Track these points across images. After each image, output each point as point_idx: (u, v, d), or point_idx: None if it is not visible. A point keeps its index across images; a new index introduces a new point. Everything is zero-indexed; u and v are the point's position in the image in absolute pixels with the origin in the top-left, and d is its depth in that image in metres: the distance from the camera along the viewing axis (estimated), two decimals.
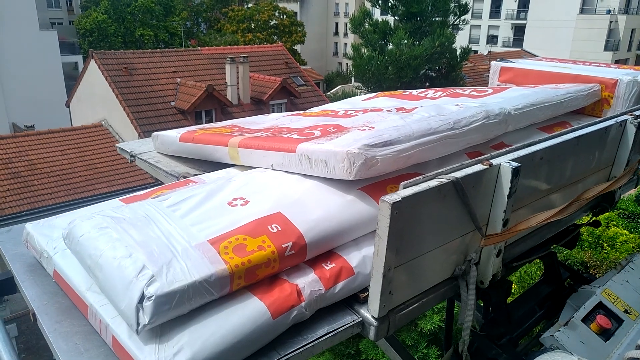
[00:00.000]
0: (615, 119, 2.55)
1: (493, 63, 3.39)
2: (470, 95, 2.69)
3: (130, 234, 1.53)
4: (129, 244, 1.48)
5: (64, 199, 16.13)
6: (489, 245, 1.94)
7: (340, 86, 34.76)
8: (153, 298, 1.33)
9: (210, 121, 20.61)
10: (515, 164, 1.82)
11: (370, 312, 1.66)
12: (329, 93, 29.40)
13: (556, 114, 2.72)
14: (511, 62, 3.34)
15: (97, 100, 20.52)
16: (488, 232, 1.94)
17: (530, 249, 2.40)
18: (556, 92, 2.71)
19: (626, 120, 2.55)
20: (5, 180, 16.10)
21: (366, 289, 1.68)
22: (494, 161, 1.84)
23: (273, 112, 22.88)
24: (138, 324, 1.34)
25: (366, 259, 1.74)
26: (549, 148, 2.10)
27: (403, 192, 1.53)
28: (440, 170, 1.72)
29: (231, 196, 1.79)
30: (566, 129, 2.35)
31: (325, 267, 1.68)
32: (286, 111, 20.45)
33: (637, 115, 2.60)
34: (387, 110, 2.37)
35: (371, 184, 1.90)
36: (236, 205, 1.73)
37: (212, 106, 20.47)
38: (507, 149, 2.03)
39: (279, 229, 1.61)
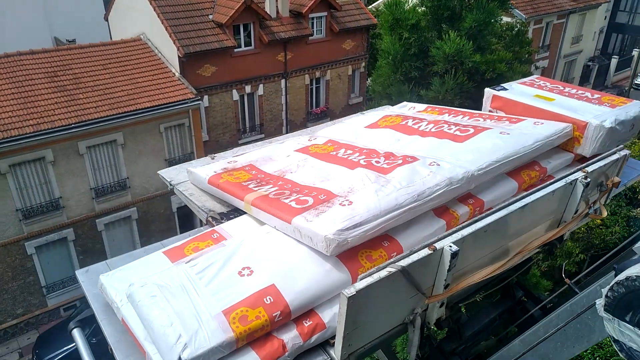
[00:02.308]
0: (565, 179, 2.75)
1: (487, 90, 3.66)
2: (454, 137, 3.00)
3: (171, 304, 2.16)
4: (170, 313, 2.11)
5: (108, 112, 16.58)
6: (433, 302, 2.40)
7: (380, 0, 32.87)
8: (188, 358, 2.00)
9: (248, 36, 20.18)
10: (454, 248, 2.22)
11: (335, 356, 2.24)
12: (370, 7, 27.93)
13: (523, 163, 2.98)
14: (504, 88, 3.57)
15: (135, 14, 20.29)
16: (432, 293, 2.35)
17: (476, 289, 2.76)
18: (525, 143, 2.92)
19: (576, 179, 2.76)
20: (52, 93, 16.59)
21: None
22: (438, 245, 2.23)
23: (312, 25, 22.06)
24: None
25: (336, 315, 2.20)
26: (493, 222, 2.39)
27: (358, 285, 1.98)
28: (391, 260, 2.15)
29: (241, 265, 2.36)
30: (512, 200, 2.60)
31: (305, 324, 2.26)
32: (326, 26, 19.60)
33: (587, 174, 2.80)
34: (376, 161, 2.78)
35: (345, 252, 2.34)
36: (244, 275, 2.31)
37: (250, 19, 19.93)
38: (453, 229, 2.35)
39: (272, 300, 2.19)
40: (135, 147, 17.86)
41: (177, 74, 18.84)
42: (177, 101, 17.90)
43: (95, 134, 16.64)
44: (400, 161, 2.73)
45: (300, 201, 2.49)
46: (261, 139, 22.88)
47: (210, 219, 2.94)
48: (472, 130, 3.04)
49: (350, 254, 2.37)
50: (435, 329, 2.73)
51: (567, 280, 2.98)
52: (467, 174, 2.63)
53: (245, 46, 20.75)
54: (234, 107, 21.44)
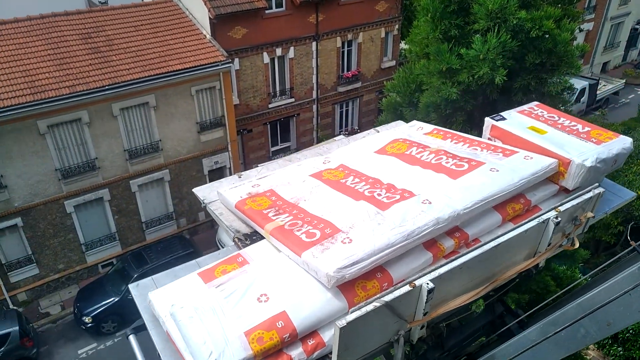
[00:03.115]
0: (538, 219, 2.99)
1: (487, 119, 3.94)
2: (449, 172, 3.25)
3: (204, 324, 2.67)
4: (203, 332, 2.60)
5: (140, 74, 16.68)
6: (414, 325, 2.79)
7: None
8: None
9: None
10: (431, 285, 2.56)
11: None
12: None
13: (507, 198, 3.19)
14: (503, 118, 3.83)
15: None
16: (414, 319, 2.73)
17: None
18: (511, 181, 3.15)
19: (549, 218, 2.98)
20: (86, 55, 16.76)
21: None
22: (418, 282, 2.60)
23: None
24: None
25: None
26: (467, 260, 2.68)
27: (348, 317, 2.41)
28: (377, 296, 2.55)
29: (259, 292, 2.80)
30: (483, 242, 2.85)
31: (308, 342, 2.73)
32: None
33: (559, 213, 3.00)
34: (377, 194, 3.10)
35: (344, 283, 2.73)
36: (261, 301, 2.76)
37: None
38: (432, 268, 2.68)
39: (283, 324, 2.64)
40: (167, 110, 18.01)
41: (208, 36, 18.71)
42: (208, 63, 17.85)
43: (128, 96, 16.82)
44: (398, 197, 3.06)
45: (310, 234, 2.89)
46: (291, 104, 22.74)
47: (236, 239, 3.38)
48: (466, 166, 3.30)
49: (348, 284, 2.74)
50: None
51: (632, 242, 2.90)
52: (453, 213, 2.93)
53: (276, 7, 20.37)
54: (264, 70, 21.26)
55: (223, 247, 16.15)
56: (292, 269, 2.87)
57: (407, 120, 7.80)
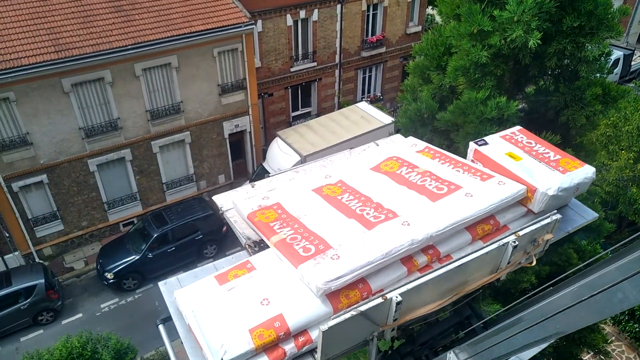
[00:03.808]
0: (498, 242, 3.45)
1: (470, 143, 4.29)
2: (430, 194, 3.76)
3: (219, 321, 3.21)
4: (218, 328, 3.16)
5: (163, 34, 16.54)
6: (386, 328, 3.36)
7: None
8: None
9: None
10: (399, 298, 3.13)
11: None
12: None
13: (477, 220, 3.65)
14: (485, 142, 4.21)
15: None
16: (386, 323, 3.29)
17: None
18: (482, 206, 3.62)
19: (507, 243, 3.44)
20: (110, 13, 16.64)
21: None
22: (389, 295, 3.13)
23: None
24: None
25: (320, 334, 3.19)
26: (433, 279, 3.20)
27: (330, 323, 2.96)
28: (355, 305, 3.09)
29: (262, 297, 3.35)
30: (449, 261, 3.40)
31: (299, 339, 3.26)
32: None
33: (518, 237, 3.45)
34: (367, 213, 3.69)
35: (330, 292, 3.25)
36: (263, 304, 3.30)
37: None
38: (402, 284, 3.25)
39: (279, 325, 3.16)
40: (189, 71, 17.92)
41: None
42: (230, 25, 17.58)
43: (151, 56, 16.74)
44: (382, 217, 3.62)
45: (306, 249, 3.45)
46: (313, 68, 22.39)
47: (247, 246, 3.94)
48: (445, 190, 3.80)
49: (334, 293, 3.27)
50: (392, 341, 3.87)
51: None
52: (427, 236, 3.42)
53: None
54: (287, 32, 20.88)
55: None
56: (290, 277, 3.42)
57: (433, 84, 7.53)
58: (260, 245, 3.87)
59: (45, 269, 16.66)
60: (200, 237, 17.93)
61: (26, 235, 17.47)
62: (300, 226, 3.65)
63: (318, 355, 3.19)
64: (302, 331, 3.24)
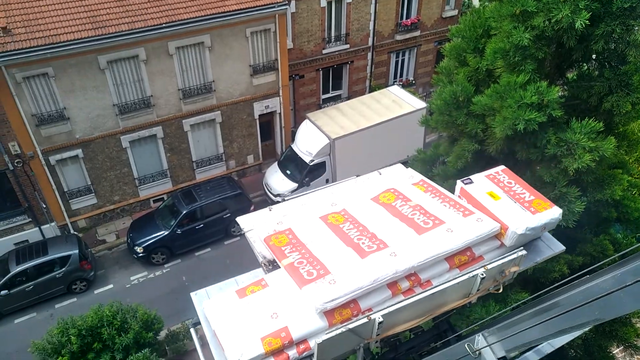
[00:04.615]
0: (469, 274, 4.00)
1: (458, 182, 4.79)
2: (417, 228, 4.34)
3: (236, 329, 3.85)
4: (235, 334, 3.80)
5: (197, 13, 16.59)
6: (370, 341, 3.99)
7: None
8: None
9: None
10: (381, 319, 3.73)
11: None
12: None
13: (455, 253, 4.22)
14: (471, 181, 4.71)
15: None
16: (371, 336, 3.88)
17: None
18: (459, 242, 4.15)
19: (477, 274, 3.99)
20: None
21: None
22: (372, 316, 3.73)
23: None
24: None
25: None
26: (411, 302, 3.82)
27: (324, 337, 3.59)
28: (346, 323, 3.77)
29: (272, 311, 3.97)
30: (427, 287, 4.05)
31: (300, 347, 3.85)
32: None
33: (486, 270, 3.97)
34: (363, 242, 4.30)
35: (327, 310, 3.86)
36: (273, 317, 3.91)
37: None
38: (387, 305, 3.90)
39: (284, 335, 3.78)
40: (221, 51, 17.97)
41: None
42: (264, 5, 17.49)
43: (184, 35, 16.84)
44: (375, 247, 4.19)
45: (309, 273, 4.04)
46: (345, 50, 22.13)
47: (263, 265, 4.56)
48: (430, 224, 4.35)
49: (329, 311, 3.88)
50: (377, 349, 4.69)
51: None
52: (409, 266, 4.00)
53: None
54: (320, 14, 20.66)
55: (269, 191, 16.34)
56: (295, 296, 4.02)
57: (470, 67, 7.32)
58: (273, 264, 4.51)
59: (80, 241, 17.21)
60: (228, 216, 18.16)
61: (62, 207, 18.05)
62: (306, 252, 4.26)
63: None
64: (303, 340, 3.88)
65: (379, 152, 19.72)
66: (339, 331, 3.61)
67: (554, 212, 4.28)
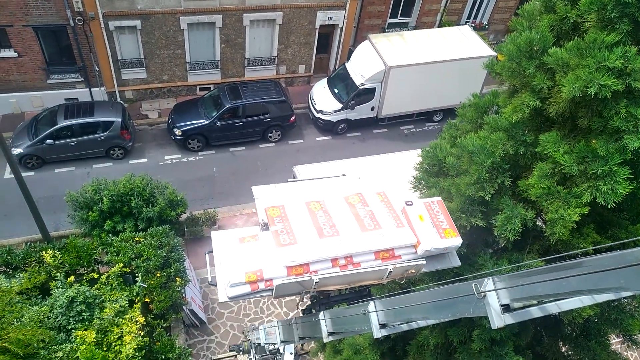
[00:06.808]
0: (383, 267, 5.54)
1: (404, 202, 5.96)
2: (363, 227, 5.68)
3: (231, 262, 5.43)
4: (229, 265, 5.41)
5: None
6: None
7: None
8: (229, 285, 5.29)
9: None
10: (317, 280, 5.28)
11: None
12: None
13: (380, 250, 5.60)
14: (412, 203, 5.90)
15: None
16: (311, 288, 5.55)
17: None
18: (386, 245, 5.58)
19: (387, 268, 5.51)
20: None
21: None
22: (313, 277, 5.28)
23: None
24: (227, 295, 5.34)
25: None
26: (338, 275, 5.43)
27: (280, 281, 5.27)
28: (296, 277, 5.31)
29: (256, 257, 5.41)
30: (356, 268, 5.51)
31: (266, 282, 5.37)
32: None
33: (394, 268, 5.50)
34: (326, 230, 5.60)
35: (289, 266, 5.35)
36: (256, 261, 5.37)
37: None
38: (326, 272, 5.38)
39: (259, 274, 5.30)
40: None
41: None
42: None
43: None
44: (331, 233, 5.52)
45: (284, 240, 5.38)
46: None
47: (260, 224, 5.86)
48: (373, 227, 5.64)
49: (290, 267, 5.24)
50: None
51: None
52: (348, 252, 5.40)
53: None
54: None
55: (313, 106, 16.18)
56: (273, 252, 5.33)
57: (556, 15, 6.72)
58: (266, 226, 5.77)
59: (124, 110, 17.72)
60: (268, 120, 18.25)
61: (113, 74, 18.43)
62: (288, 225, 5.60)
63: (273, 293, 5.29)
64: (270, 280, 5.27)
65: (431, 91, 19.05)
66: (291, 280, 5.17)
67: (456, 241, 5.60)
